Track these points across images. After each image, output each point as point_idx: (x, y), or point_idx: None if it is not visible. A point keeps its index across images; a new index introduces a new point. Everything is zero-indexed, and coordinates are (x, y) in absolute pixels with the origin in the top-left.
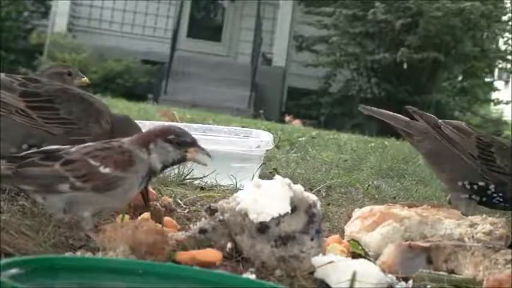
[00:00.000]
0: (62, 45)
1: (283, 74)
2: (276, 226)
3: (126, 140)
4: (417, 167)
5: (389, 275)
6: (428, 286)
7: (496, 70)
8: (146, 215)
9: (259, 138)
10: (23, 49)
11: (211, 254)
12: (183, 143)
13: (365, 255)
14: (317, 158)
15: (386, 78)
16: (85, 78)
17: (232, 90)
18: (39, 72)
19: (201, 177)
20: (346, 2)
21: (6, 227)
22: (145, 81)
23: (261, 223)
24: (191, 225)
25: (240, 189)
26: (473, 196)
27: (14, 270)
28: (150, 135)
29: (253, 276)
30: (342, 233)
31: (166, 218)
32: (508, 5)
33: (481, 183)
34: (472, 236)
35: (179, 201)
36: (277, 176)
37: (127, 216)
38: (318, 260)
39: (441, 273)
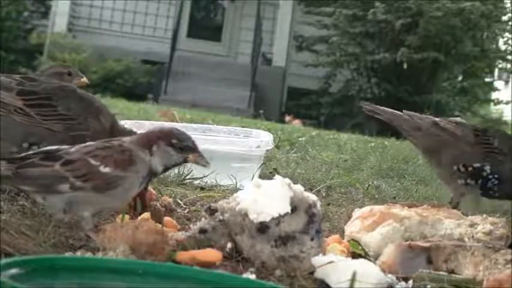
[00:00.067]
0: (62, 45)
1: (283, 74)
2: (276, 226)
3: (127, 139)
4: (417, 167)
5: (389, 275)
6: (428, 286)
7: (496, 70)
8: (146, 215)
9: (259, 138)
10: (23, 49)
11: (211, 254)
12: (186, 148)
13: (365, 255)
14: (317, 158)
15: (387, 78)
16: (84, 78)
17: (232, 90)
18: (39, 72)
19: (201, 177)
20: (346, 2)
21: (6, 227)
22: (145, 81)
23: (261, 223)
24: (191, 225)
25: (240, 189)
26: (469, 180)
27: (14, 270)
28: (152, 137)
29: (253, 276)
30: (342, 233)
31: (166, 218)
32: (508, 5)
33: (476, 165)
34: (472, 236)
35: (179, 201)
36: (277, 176)
37: (127, 216)
38: (318, 260)
39: (441, 273)
